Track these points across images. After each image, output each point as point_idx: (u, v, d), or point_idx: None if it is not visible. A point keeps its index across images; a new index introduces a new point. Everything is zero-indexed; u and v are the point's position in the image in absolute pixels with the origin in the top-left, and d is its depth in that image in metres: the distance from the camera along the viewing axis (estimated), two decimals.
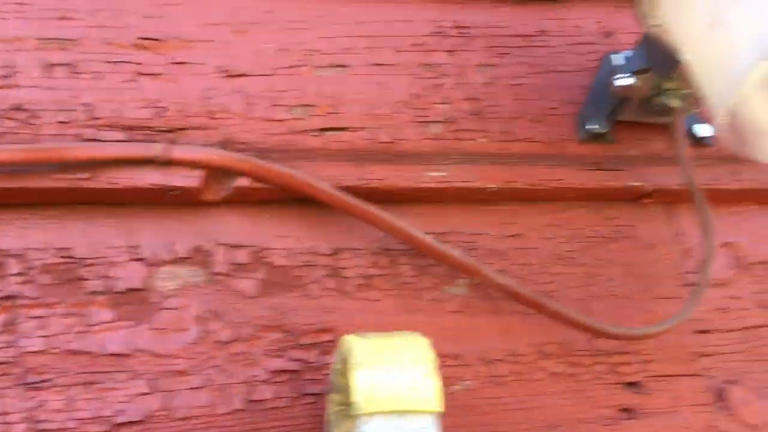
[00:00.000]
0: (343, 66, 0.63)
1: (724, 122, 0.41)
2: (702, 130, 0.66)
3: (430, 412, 0.41)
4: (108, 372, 0.51)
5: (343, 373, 0.48)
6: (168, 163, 0.54)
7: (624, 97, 0.61)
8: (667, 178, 0.63)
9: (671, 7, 0.45)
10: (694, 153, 0.65)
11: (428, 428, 0.40)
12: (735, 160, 0.66)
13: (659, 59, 0.55)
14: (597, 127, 0.63)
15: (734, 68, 0.37)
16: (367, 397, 0.40)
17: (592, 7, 0.70)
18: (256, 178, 0.55)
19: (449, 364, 0.56)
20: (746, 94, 0.38)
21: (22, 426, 0.48)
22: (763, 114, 0.40)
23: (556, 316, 0.56)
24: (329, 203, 0.56)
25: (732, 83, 0.38)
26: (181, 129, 0.57)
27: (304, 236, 0.58)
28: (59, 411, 0.49)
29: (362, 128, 0.61)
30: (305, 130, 0.60)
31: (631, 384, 0.58)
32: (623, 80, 0.58)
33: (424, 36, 0.66)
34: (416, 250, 0.58)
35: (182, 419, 0.51)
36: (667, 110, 0.60)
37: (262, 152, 0.58)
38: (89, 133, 0.56)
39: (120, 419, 0.50)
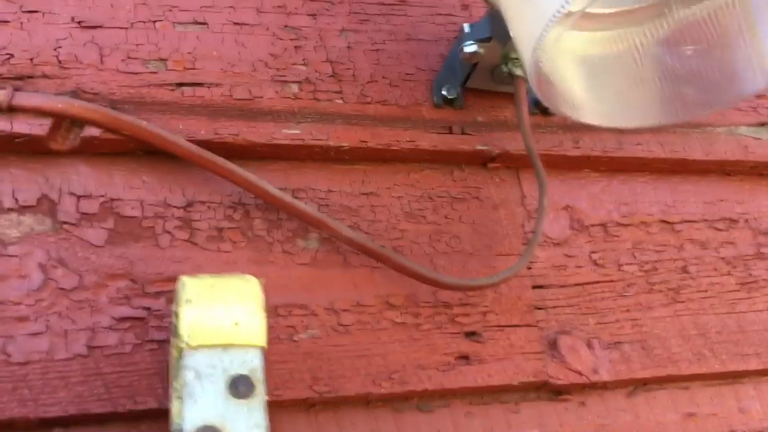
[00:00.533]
0: (203, 23, 0.64)
1: (533, 82, 0.45)
2: None
3: (255, 347, 0.42)
4: None
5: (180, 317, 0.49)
6: (11, 109, 0.54)
7: (473, 64, 0.64)
8: (513, 144, 0.67)
9: None
10: (539, 121, 0.69)
11: (252, 361, 0.42)
12: (577, 128, 0.71)
13: (499, 28, 0.59)
14: (450, 93, 0.66)
15: (537, 33, 0.41)
16: (192, 331, 0.42)
17: None
18: (105, 127, 0.55)
19: (297, 313, 0.58)
20: (543, 57, 0.42)
21: None
22: (557, 74, 0.44)
23: (399, 268, 0.59)
24: (181, 156, 0.57)
25: (535, 47, 0.41)
26: (29, 77, 0.57)
27: (156, 188, 0.58)
28: None
29: (219, 84, 0.61)
30: (160, 84, 0.60)
31: (469, 333, 0.62)
32: (468, 47, 0.62)
33: None
34: (269, 205, 0.60)
35: (20, 364, 0.51)
36: (512, 78, 0.64)
37: (115, 104, 0.58)
38: None
39: None
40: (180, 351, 0.43)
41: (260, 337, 0.43)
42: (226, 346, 0.42)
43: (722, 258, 0.72)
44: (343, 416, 0.58)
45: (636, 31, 0.52)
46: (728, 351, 0.69)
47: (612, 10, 0.49)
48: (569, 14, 0.40)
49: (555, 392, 0.63)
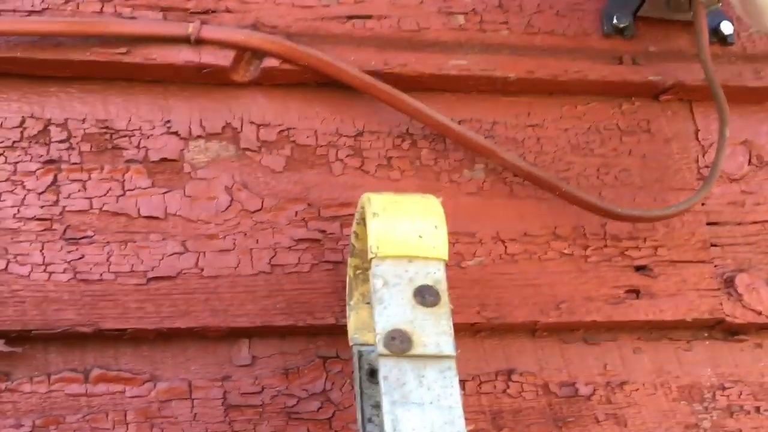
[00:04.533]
0: None
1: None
2: (727, 27, 0.66)
3: (437, 259, 0.43)
4: (143, 232, 0.55)
5: (360, 235, 0.51)
6: (199, 41, 0.57)
7: None
8: (687, 75, 0.64)
9: None
10: (718, 51, 0.66)
11: (435, 273, 0.43)
12: (758, 59, 0.66)
13: None
14: (621, 21, 0.64)
15: None
16: (380, 241, 0.43)
17: None
18: (283, 58, 0.58)
19: (464, 241, 0.59)
20: None
21: (65, 275, 0.53)
22: None
23: (567, 197, 0.58)
24: (354, 86, 0.59)
25: None
26: (213, 11, 0.60)
27: (328, 118, 0.60)
28: (98, 264, 0.53)
29: (387, 17, 0.62)
30: (332, 17, 0.61)
31: (639, 268, 0.60)
32: None
33: None
34: (437, 135, 0.61)
35: (211, 277, 0.54)
36: (690, 5, 0.61)
37: (291, 36, 0.60)
38: (127, 12, 0.58)
39: (153, 274, 0.54)
40: (355, 270, 0.45)
41: (442, 251, 0.43)
42: (411, 258, 0.43)
43: None
44: (509, 344, 0.58)
45: None
46: None
47: None
48: None
49: (730, 332, 0.60)
